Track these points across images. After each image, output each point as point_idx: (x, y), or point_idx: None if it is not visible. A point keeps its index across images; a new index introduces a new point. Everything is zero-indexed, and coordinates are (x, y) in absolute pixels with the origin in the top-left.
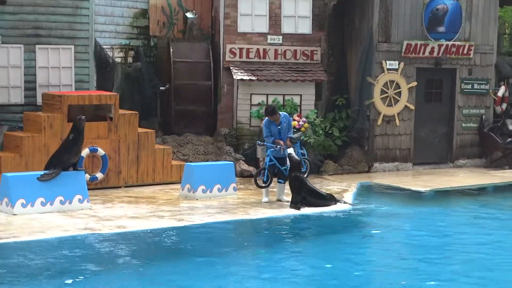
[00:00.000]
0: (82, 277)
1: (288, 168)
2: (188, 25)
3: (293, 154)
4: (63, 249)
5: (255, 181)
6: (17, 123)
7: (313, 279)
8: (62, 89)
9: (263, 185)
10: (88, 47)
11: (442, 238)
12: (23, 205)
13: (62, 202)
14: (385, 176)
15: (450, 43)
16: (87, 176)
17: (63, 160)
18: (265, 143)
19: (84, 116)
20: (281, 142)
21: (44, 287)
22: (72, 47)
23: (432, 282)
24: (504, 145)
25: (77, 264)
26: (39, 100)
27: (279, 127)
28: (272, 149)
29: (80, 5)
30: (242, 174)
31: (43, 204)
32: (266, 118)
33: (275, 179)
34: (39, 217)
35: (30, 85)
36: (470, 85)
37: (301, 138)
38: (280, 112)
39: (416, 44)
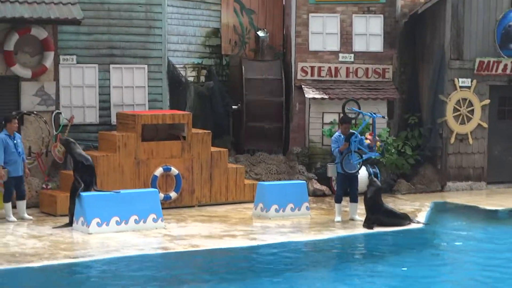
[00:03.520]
0: None
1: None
2: (260, 44)
3: (375, 178)
4: (138, 268)
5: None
6: (92, 143)
7: None
8: (135, 108)
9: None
10: (161, 66)
11: None
12: (98, 224)
13: (136, 221)
14: (459, 195)
15: None
16: (161, 195)
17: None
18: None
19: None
20: (346, 144)
21: None
22: (146, 66)
23: None
24: None
25: (151, 283)
26: (113, 120)
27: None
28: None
29: (154, 24)
30: (314, 194)
31: (117, 223)
32: (336, 133)
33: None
34: (114, 236)
35: (104, 105)
36: None
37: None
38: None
39: (488, 61)
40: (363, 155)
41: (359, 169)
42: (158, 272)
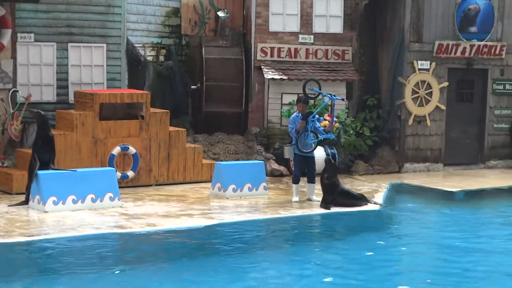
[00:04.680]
0: (110, 274)
1: (323, 169)
2: (219, 24)
3: (332, 159)
4: (94, 247)
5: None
6: (49, 121)
7: (338, 277)
8: (94, 87)
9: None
10: (120, 45)
11: (470, 239)
12: (55, 203)
13: (93, 200)
14: (416, 177)
15: (482, 43)
16: (118, 174)
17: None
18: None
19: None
20: (303, 122)
21: (74, 283)
22: (104, 45)
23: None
24: None
25: (106, 261)
26: (71, 98)
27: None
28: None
29: (113, 3)
30: (272, 174)
31: (74, 201)
32: (295, 113)
33: (304, 178)
34: (70, 215)
35: (62, 83)
36: (502, 85)
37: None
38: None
39: (448, 44)
40: (319, 136)
41: (314, 149)
42: (113, 251)
